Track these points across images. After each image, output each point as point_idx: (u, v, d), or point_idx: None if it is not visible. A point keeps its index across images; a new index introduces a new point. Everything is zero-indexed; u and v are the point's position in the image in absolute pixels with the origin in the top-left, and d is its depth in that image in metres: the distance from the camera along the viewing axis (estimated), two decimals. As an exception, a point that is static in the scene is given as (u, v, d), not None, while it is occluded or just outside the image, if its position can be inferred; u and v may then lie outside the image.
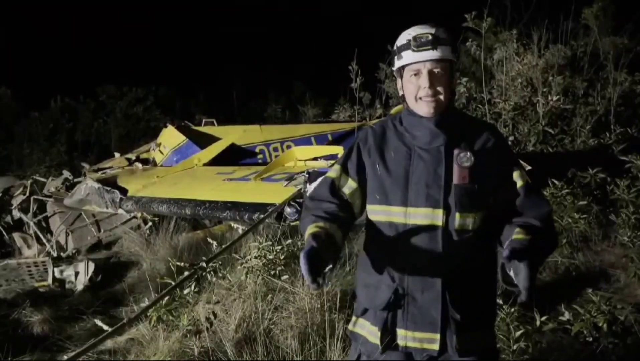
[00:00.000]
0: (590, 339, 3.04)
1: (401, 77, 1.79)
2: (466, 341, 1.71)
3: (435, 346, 1.71)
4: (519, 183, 1.75)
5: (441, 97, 1.72)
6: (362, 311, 1.85)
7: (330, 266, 1.58)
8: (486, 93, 6.62)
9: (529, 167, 3.74)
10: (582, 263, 4.37)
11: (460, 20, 6.45)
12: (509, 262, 1.49)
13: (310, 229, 1.71)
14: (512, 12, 9.94)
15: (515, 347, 2.84)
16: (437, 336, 1.71)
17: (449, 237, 1.69)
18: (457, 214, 1.68)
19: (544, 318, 3.06)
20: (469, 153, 1.67)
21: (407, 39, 1.73)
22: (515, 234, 1.64)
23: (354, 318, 1.90)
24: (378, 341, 1.76)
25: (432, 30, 1.70)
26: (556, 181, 4.59)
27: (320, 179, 3.51)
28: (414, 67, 1.72)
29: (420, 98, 1.72)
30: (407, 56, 1.72)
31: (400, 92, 1.82)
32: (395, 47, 1.78)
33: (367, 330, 1.82)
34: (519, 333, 2.87)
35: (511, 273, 1.51)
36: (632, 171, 4.73)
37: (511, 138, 6.20)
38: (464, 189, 1.68)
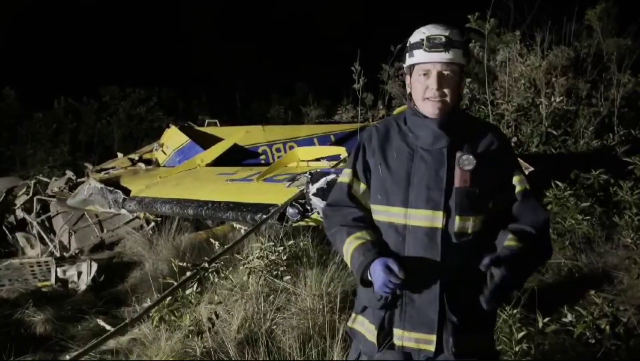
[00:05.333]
0: (593, 341, 3.03)
1: (410, 75, 1.79)
2: (463, 344, 1.71)
3: (431, 348, 1.72)
4: (518, 188, 1.76)
5: (447, 99, 1.72)
6: (361, 308, 1.86)
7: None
8: (489, 94, 6.62)
9: (532, 169, 3.74)
10: (585, 265, 4.37)
11: (463, 21, 6.45)
12: (485, 270, 1.58)
13: (353, 242, 1.75)
14: (515, 14, 9.94)
15: (517, 349, 2.84)
16: (433, 337, 1.71)
17: (448, 239, 1.69)
18: (457, 217, 1.68)
19: (546, 319, 3.05)
20: (471, 156, 1.67)
21: (420, 38, 1.73)
22: (507, 241, 1.67)
23: (353, 314, 1.91)
24: (375, 340, 1.77)
25: (446, 32, 1.71)
26: (559, 183, 4.58)
27: (323, 179, 3.54)
28: (424, 67, 1.73)
29: (427, 98, 1.73)
30: (419, 55, 1.73)
31: (408, 90, 1.83)
32: (407, 44, 1.79)
33: (366, 327, 1.83)
34: (521, 334, 2.86)
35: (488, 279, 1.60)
36: (636, 173, 4.71)
37: (514, 139, 6.20)
38: (465, 193, 1.68)
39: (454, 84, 1.73)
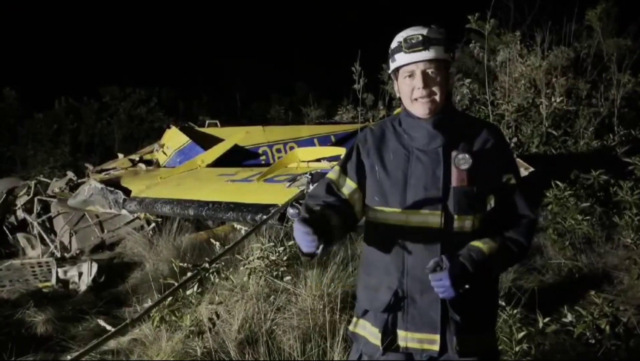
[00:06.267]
0: (593, 341, 3.03)
1: (397, 79, 1.79)
2: (466, 343, 1.71)
3: (436, 347, 1.72)
4: (511, 187, 1.76)
5: (436, 97, 1.72)
6: (362, 312, 1.85)
7: (322, 244, 1.59)
8: (489, 95, 6.63)
9: (532, 169, 3.75)
10: (585, 265, 4.37)
11: (464, 22, 6.45)
12: (429, 272, 1.60)
13: (302, 214, 1.69)
14: (515, 14, 9.95)
15: (517, 349, 2.83)
16: (437, 337, 1.71)
17: (448, 239, 1.69)
18: (456, 217, 1.68)
19: (546, 319, 3.04)
20: (467, 155, 1.65)
21: (398, 41, 1.74)
22: (476, 240, 1.68)
23: (354, 319, 1.91)
24: (379, 343, 1.76)
25: (423, 31, 1.70)
26: (559, 183, 4.57)
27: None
28: (407, 69, 1.72)
29: (415, 99, 1.73)
30: (400, 58, 1.73)
31: (398, 95, 1.83)
32: (389, 51, 1.79)
33: (368, 330, 1.82)
34: (521, 334, 2.86)
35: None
36: (636, 173, 4.71)
37: (514, 140, 6.21)
38: (463, 192, 1.66)
39: (441, 81, 1.72)
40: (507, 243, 1.71)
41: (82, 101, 11.85)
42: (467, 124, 1.84)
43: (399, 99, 1.82)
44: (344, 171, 1.86)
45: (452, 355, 1.72)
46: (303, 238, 1.58)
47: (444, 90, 1.74)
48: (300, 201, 3.61)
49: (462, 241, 1.69)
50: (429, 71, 1.70)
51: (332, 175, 1.87)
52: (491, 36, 6.78)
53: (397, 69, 1.76)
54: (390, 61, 1.78)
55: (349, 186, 1.84)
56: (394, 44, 1.76)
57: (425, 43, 1.68)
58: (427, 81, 1.70)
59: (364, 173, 1.83)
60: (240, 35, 18.04)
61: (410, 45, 1.69)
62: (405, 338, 1.75)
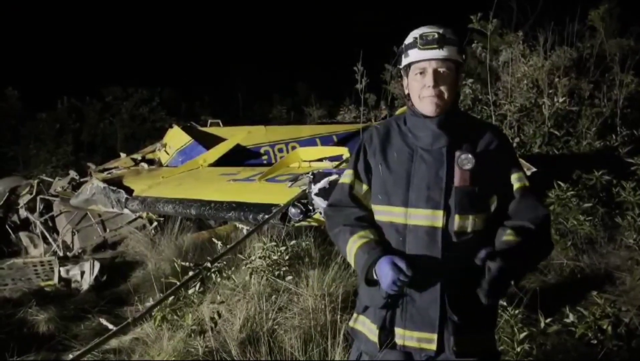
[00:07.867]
0: (595, 342, 3.03)
1: (407, 75, 1.80)
2: (464, 343, 1.72)
3: (433, 347, 1.72)
4: (517, 186, 1.76)
5: (445, 96, 1.73)
6: (363, 308, 1.86)
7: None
8: (492, 95, 6.61)
9: (534, 169, 3.75)
10: (587, 265, 4.36)
11: (466, 22, 6.44)
12: (482, 263, 1.60)
13: (357, 241, 1.76)
14: (517, 14, 9.94)
15: (519, 349, 2.84)
16: (435, 336, 1.71)
17: (449, 239, 1.70)
18: (457, 216, 1.69)
19: (548, 320, 3.05)
20: (470, 155, 1.67)
21: (414, 37, 1.75)
22: (505, 236, 1.68)
23: (354, 314, 1.92)
24: (376, 339, 1.77)
25: (440, 30, 1.72)
26: (562, 183, 4.58)
27: (325, 180, 3.55)
28: (420, 66, 1.73)
29: (424, 97, 1.73)
30: (413, 54, 1.74)
31: (406, 91, 1.84)
32: (402, 46, 1.80)
33: (367, 327, 1.83)
34: (523, 335, 2.86)
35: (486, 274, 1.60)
36: (638, 173, 4.71)
37: (516, 140, 6.19)
38: (465, 192, 1.68)
39: (451, 81, 1.74)
40: (534, 238, 1.70)
41: (84, 100, 11.88)
42: (471, 125, 1.86)
43: (407, 96, 1.83)
44: (356, 174, 1.87)
45: (450, 355, 1.72)
46: (393, 281, 1.61)
47: (453, 91, 1.75)
48: (303, 201, 3.64)
49: (463, 240, 1.70)
50: (441, 70, 1.71)
51: (347, 179, 1.88)
52: (494, 36, 6.77)
53: (408, 65, 1.77)
54: (402, 56, 1.80)
55: (363, 189, 1.86)
56: (408, 40, 1.77)
57: (440, 41, 1.70)
58: (437, 79, 1.71)
59: (371, 173, 1.84)
60: (242, 36, 18.07)
61: (425, 42, 1.71)
62: (403, 336, 1.75)
